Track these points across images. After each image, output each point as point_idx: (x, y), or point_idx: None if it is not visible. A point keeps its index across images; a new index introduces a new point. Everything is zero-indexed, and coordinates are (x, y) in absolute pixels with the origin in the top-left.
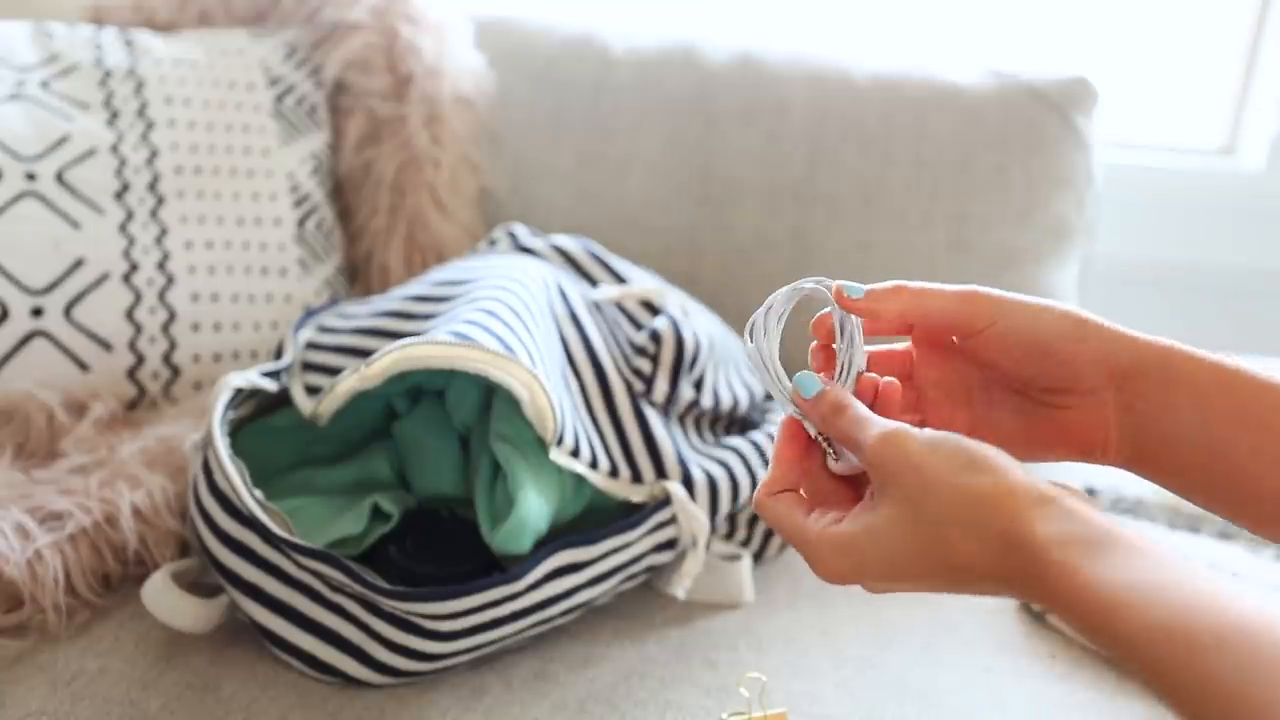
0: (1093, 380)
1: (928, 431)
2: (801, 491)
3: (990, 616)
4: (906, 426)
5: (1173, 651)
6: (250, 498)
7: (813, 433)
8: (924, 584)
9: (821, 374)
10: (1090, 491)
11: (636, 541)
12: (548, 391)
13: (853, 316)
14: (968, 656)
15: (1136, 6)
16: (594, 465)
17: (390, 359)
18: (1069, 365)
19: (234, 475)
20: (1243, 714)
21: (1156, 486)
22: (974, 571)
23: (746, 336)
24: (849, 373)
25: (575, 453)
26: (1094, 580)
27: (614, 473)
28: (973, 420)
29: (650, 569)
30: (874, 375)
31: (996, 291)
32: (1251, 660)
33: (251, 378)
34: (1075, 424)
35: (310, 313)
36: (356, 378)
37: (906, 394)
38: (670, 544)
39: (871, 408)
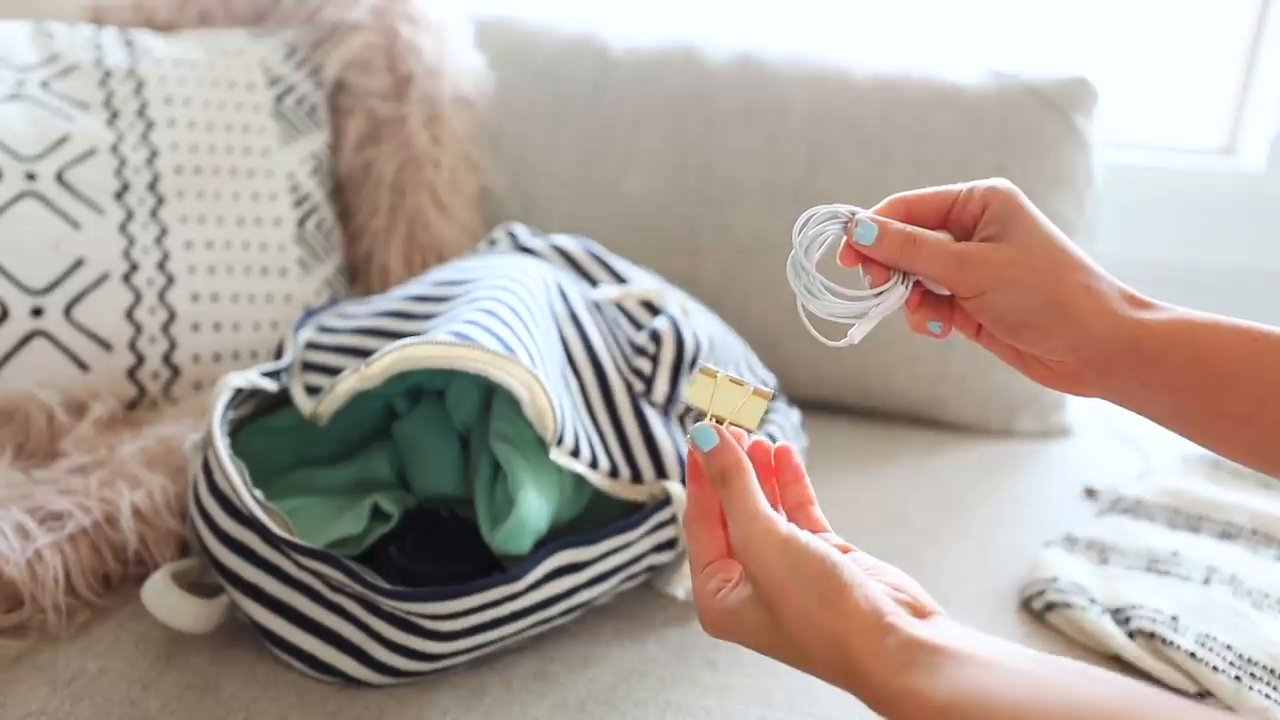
0: (1064, 358)
1: (797, 543)
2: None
3: (990, 616)
4: (774, 530)
5: None
6: (250, 498)
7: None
8: (794, 666)
9: (721, 427)
10: (1090, 491)
11: (636, 541)
12: (548, 391)
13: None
14: None
15: (1136, 6)
16: (594, 465)
17: (390, 359)
18: (1045, 344)
19: (234, 475)
20: None
21: (1157, 487)
22: (823, 678)
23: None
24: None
25: (575, 453)
26: (924, 705)
27: (614, 473)
28: (975, 333)
29: (650, 569)
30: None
31: (997, 254)
32: None
33: (251, 378)
34: (1058, 373)
35: (310, 313)
36: (356, 378)
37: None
38: (670, 544)
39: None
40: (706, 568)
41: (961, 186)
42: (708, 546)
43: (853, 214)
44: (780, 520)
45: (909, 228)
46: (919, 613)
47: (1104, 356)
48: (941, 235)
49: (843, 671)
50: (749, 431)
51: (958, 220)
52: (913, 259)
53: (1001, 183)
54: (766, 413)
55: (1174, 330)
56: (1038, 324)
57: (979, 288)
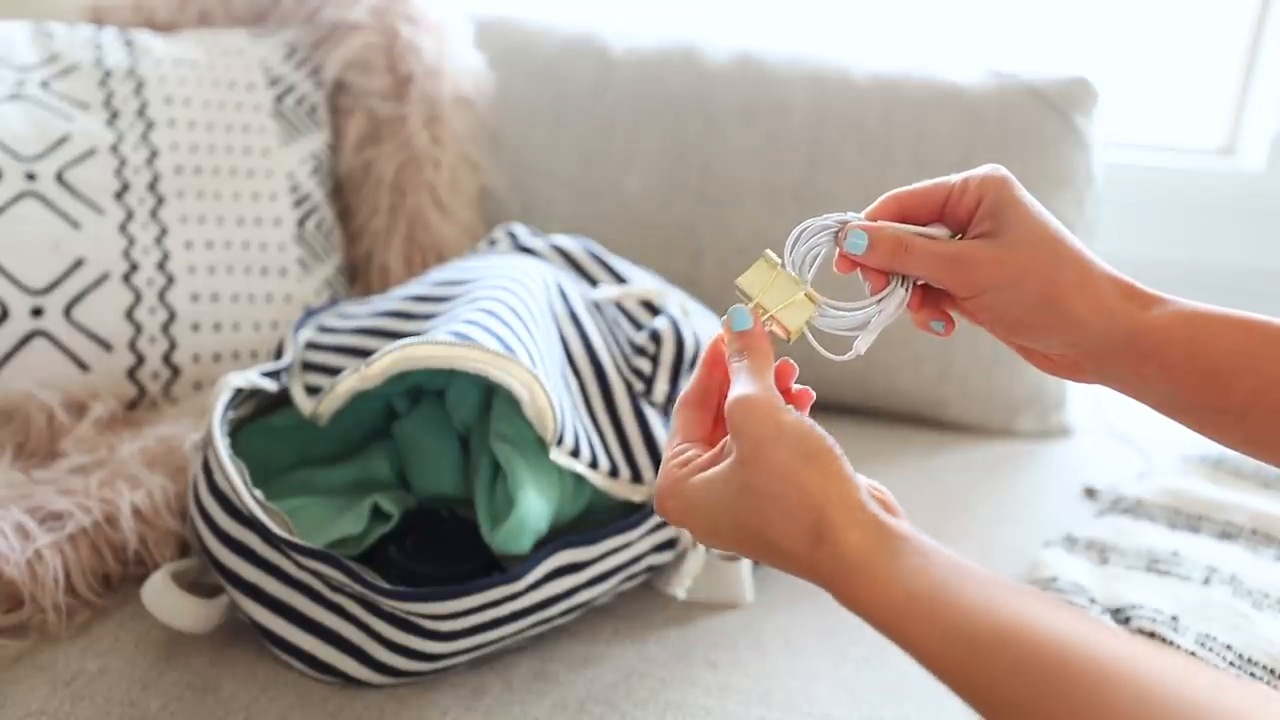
0: (1064, 352)
1: (791, 414)
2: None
3: None
4: (775, 401)
5: (960, 655)
6: (250, 498)
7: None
8: (738, 547)
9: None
10: (1090, 491)
11: (636, 541)
12: (548, 391)
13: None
14: None
15: (1136, 6)
16: (594, 465)
17: (390, 359)
18: (1043, 340)
19: (234, 475)
20: (1018, 714)
21: (1157, 487)
22: (782, 552)
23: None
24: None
25: (575, 453)
26: (889, 588)
27: (614, 473)
28: (972, 325)
29: (650, 569)
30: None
31: (990, 253)
32: (1022, 660)
33: (251, 378)
34: (1059, 363)
35: (310, 313)
36: (356, 378)
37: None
38: (670, 544)
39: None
40: (684, 443)
41: (955, 178)
42: (694, 426)
43: (843, 223)
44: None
45: (901, 229)
46: (890, 511)
47: (1101, 351)
48: (937, 231)
49: (811, 532)
50: (788, 337)
51: (953, 214)
52: (905, 264)
53: (995, 171)
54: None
55: (1170, 326)
56: (1034, 321)
57: (974, 288)
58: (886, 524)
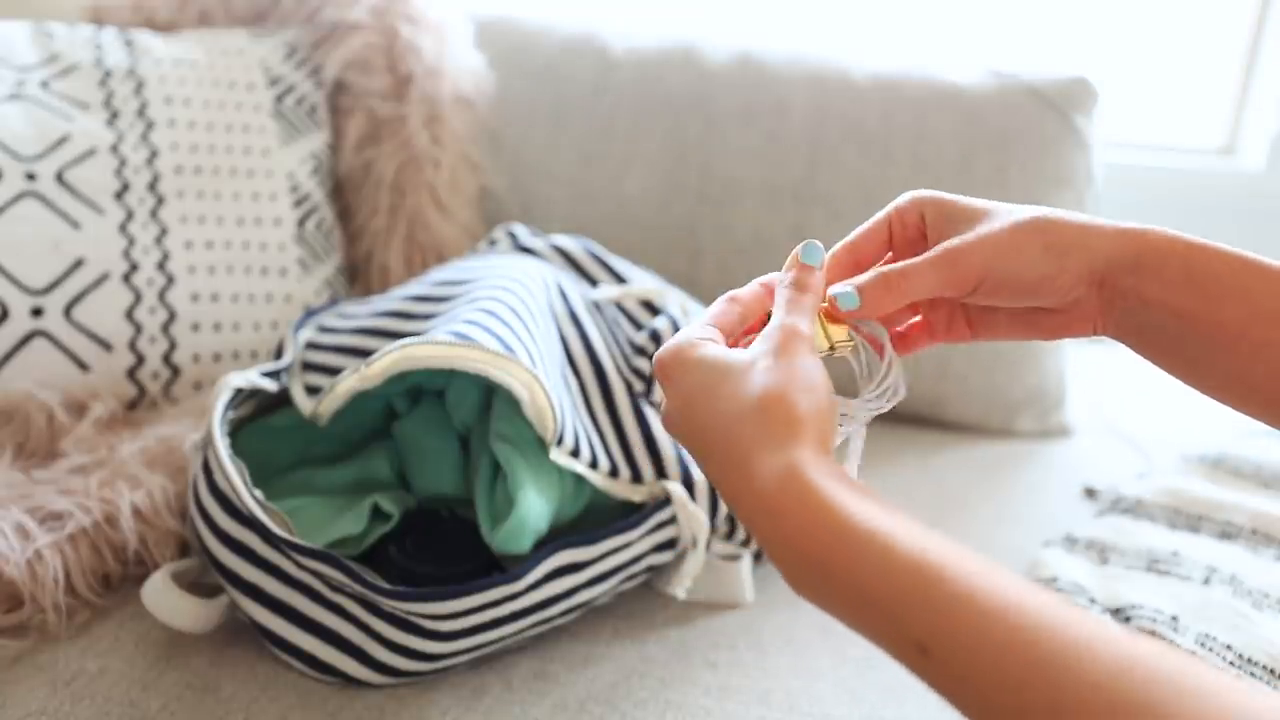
0: (1075, 292)
1: (815, 361)
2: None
3: None
4: (808, 336)
5: (913, 584)
6: (250, 498)
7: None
8: (705, 453)
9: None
10: (1090, 492)
11: (636, 541)
12: (548, 391)
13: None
14: None
15: (1136, 6)
16: (594, 465)
17: (390, 359)
18: (1054, 292)
19: (234, 475)
20: (954, 642)
21: (1157, 486)
22: (751, 481)
23: None
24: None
25: (575, 453)
26: (853, 516)
27: (614, 473)
28: (975, 334)
29: (650, 569)
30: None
31: (972, 239)
32: (955, 585)
33: (251, 378)
34: (1067, 324)
35: (310, 313)
36: (356, 378)
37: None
38: (670, 544)
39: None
40: (710, 325)
41: (884, 211)
42: (727, 320)
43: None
44: None
45: (878, 269)
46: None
47: (1110, 275)
48: (909, 262)
49: (784, 425)
50: (830, 346)
51: (901, 242)
52: (904, 291)
53: (919, 192)
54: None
55: (1169, 244)
56: (1047, 271)
57: (983, 271)
58: (849, 479)
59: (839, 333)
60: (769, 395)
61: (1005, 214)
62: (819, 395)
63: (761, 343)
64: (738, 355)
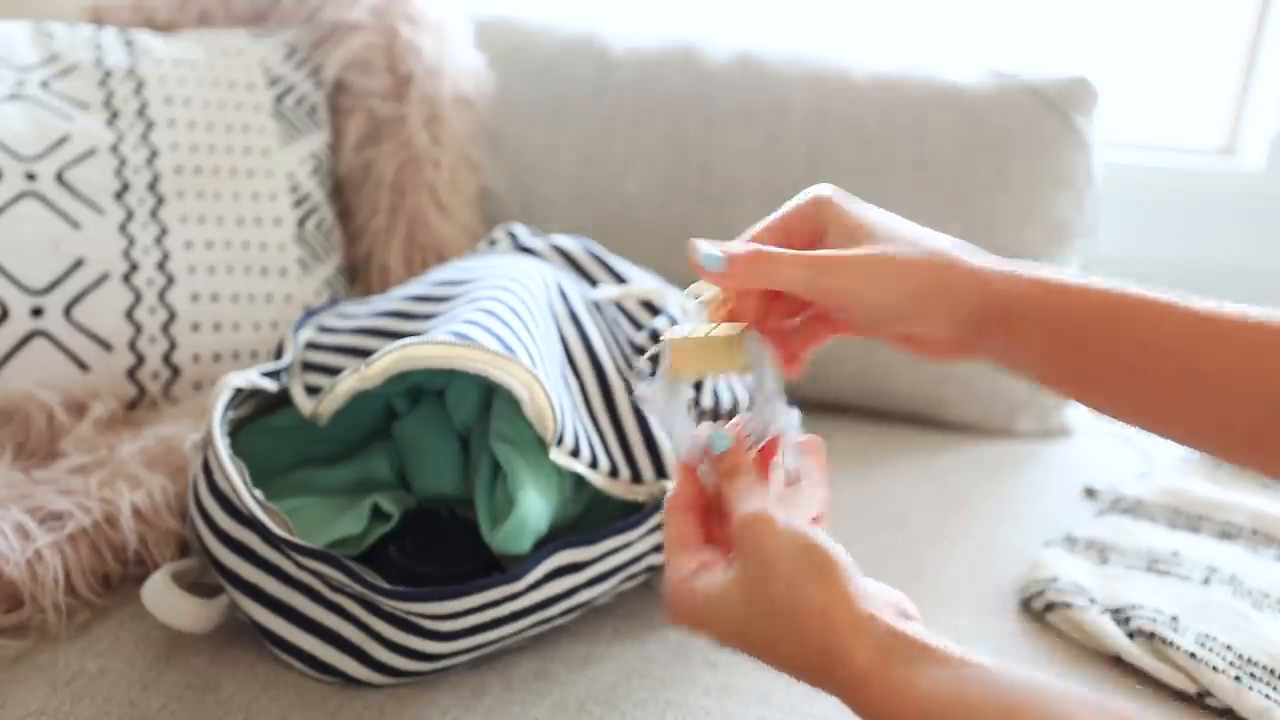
0: (938, 333)
1: (793, 526)
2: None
3: (990, 617)
4: (773, 516)
5: None
6: (250, 498)
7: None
8: (751, 654)
9: (734, 426)
10: (1090, 492)
11: (636, 541)
12: (548, 391)
13: (769, 373)
14: None
15: (1136, 6)
16: (594, 465)
17: (390, 359)
18: (923, 324)
19: (234, 475)
20: None
21: (1157, 487)
22: (792, 668)
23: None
24: (758, 440)
25: (575, 453)
26: (902, 701)
27: (614, 473)
28: (859, 334)
29: (650, 569)
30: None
31: (849, 256)
32: None
33: (251, 378)
34: (939, 351)
35: (310, 313)
36: (356, 378)
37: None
38: None
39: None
40: (685, 550)
41: (789, 205)
42: (689, 531)
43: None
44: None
45: (757, 245)
46: (907, 615)
47: (975, 325)
48: (801, 252)
49: (820, 650)
50: (740, 371)
51: (797, 238)
52: (768, 275)
53: (821, 190)
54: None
55: (1034, 298)
56: (911, 310)
57: (847, 291)
58: (898, 632)
59: (729, 359)
60: (777, 632)
61: (887, 239)
62: (811, 592)
63: (738, 562)
64: (728, 597)
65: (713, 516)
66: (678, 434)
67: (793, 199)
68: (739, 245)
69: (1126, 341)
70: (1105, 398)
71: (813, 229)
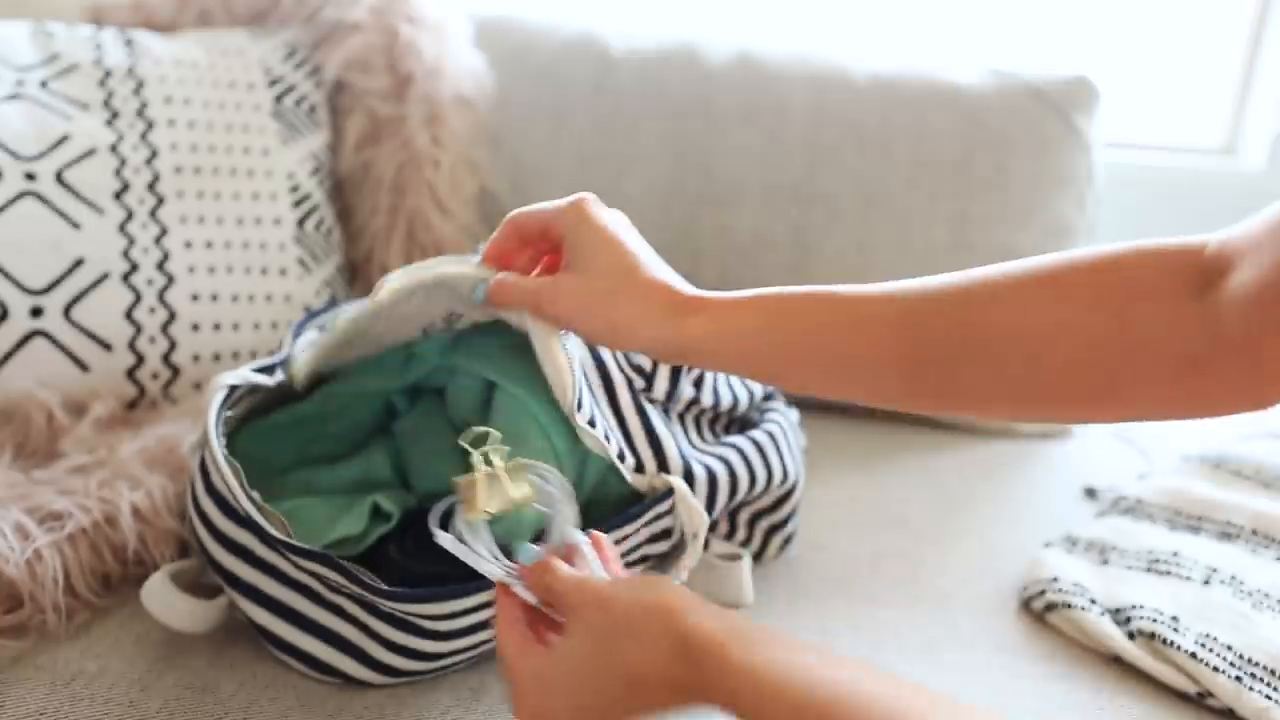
0: (654, 356)
1: (613, 573)
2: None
3: (990, 617)
4: (594, 576)
5: None
6: (246, 500)
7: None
8: (608, 707)
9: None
10: (1090, 492)
11: (634, 534)
12: (568, 349)
13: (558, 497)
14: (968, 656)
15: (1136, 6)
16: (607, 439)
17: (400, 278)
18: (630, 350)
19: (230, 477)
20: None
21: (1157, 487)
22: (650, 680)
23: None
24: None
25: (592, 423)
26: (750, 669)
27: (621, 457)
28: None
29: (645, 558)
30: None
31: (565, 286)
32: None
33: (245, 375)
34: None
35: (311, 315)
36: (371, 300)
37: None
38: (666, 533)
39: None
40: (526, 653)
41: (550, 205)
42: (520, 637)
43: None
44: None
45: (505, 276)
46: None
47: (671, 355)
48: (534, 281)
49: (673, 636)
50: (533, 504)
51: (553, 240)
52: (508, 302)
53: (576, 199)
54: (768, 413)
55: (710, 333)
56: (610, 341)
57: (562, 320)
58: (728, 615)
59: (517, 490)
60: (630, 648)
61: (604, 270)
62: (650, 602)
63: (560, 639)
64: (569, 648)
65: (539, 624)
66: (486, 567)
67: (557, 201)
68: (496, 279)
69: (786, 345)
70: (790, 388)
71: (559, 237)
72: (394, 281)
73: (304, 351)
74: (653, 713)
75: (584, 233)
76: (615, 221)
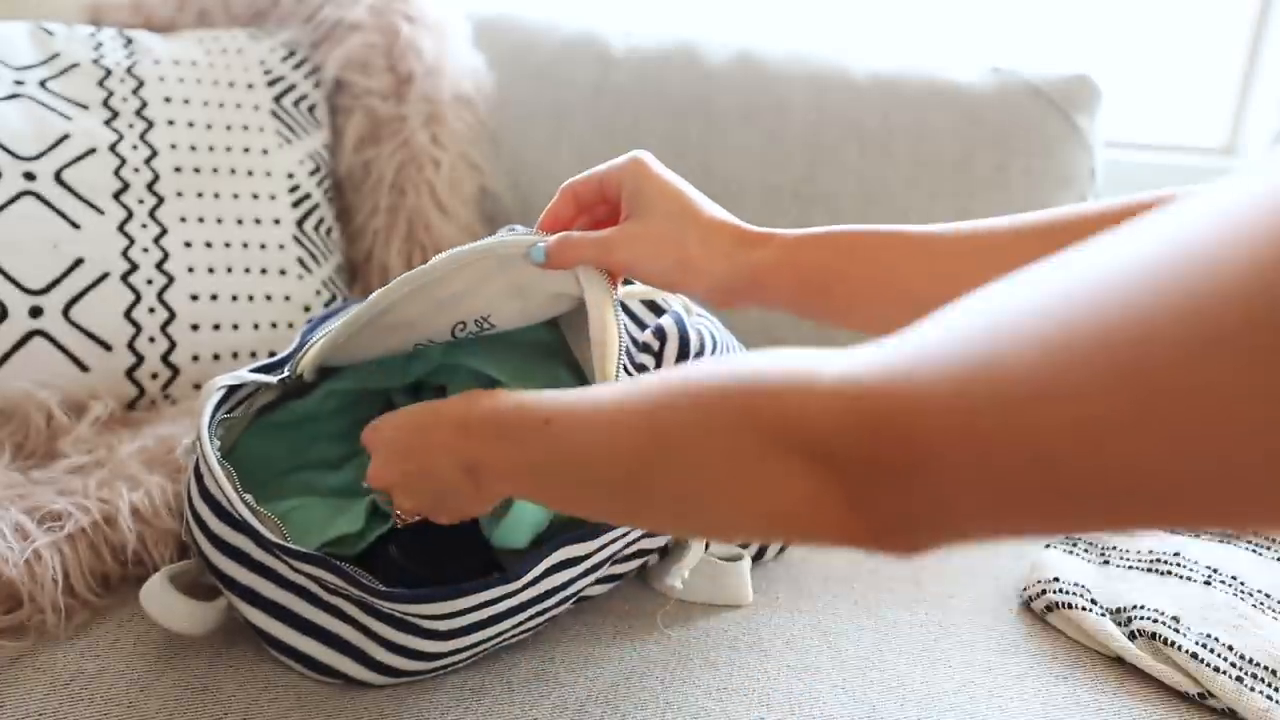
0: (710, 295)
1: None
2: None
3: (990, 617)
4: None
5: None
6: (240, 503)
7: None
8: (404, 455)
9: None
10: None
11: (633, 530)
12: (618, 310)
13: None
14: (968, 656)
15: (1137, 6)
16: None
17: (443, 259)
18: (690, 289)
19: (223, 480)
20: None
21: None
22: (440, 423)
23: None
24: None
25: None
26: (533, 413)
27: None
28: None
29: (641, 552)
30: None
31: (629, 232)
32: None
33: (242, 375)
34: (712, 298)
35: (324, 317)
36: (419, 272)
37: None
38: None
39: None
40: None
41: (605, 166)
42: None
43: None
44: None
45: (565, 234)
46: None
47: (733, 290)
48: (596, 234)
49: (467, 396)
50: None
51: (611, 198)
52: (572, 257)
53: (633, 156)
54: None
55: (775, 259)
56: (678, 279)
57: (628, 265)
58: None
59: None
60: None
61: (667, 215)
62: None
63: None
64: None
65: None
66: None
67: (612, 160)
68: (555, 237)
69: (856, 279)
70: (852, 325)
71: (617, 192)
72: (443, 255)
73: (321, 338)
74: (443, 459)
75: (644, 183)
76: (671, 175)
